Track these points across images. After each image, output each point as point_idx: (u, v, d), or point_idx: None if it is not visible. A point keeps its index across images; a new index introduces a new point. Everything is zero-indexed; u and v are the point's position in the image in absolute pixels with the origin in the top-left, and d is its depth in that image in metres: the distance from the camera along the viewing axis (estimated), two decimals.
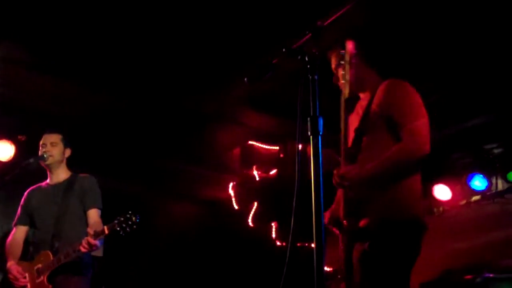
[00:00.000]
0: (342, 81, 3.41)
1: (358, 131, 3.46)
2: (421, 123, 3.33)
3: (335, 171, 3.38)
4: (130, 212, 4.34)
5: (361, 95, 3.70)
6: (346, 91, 3.41)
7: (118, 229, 4.31)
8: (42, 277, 4.60)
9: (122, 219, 4.31)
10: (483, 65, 5.68)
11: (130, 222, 4.30)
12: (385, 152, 3.31)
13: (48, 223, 4.79)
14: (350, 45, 3.39)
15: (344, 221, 3.37)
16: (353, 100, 3.64)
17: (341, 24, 3.36)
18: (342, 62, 3.39)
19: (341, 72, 3.44)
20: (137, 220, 4.31)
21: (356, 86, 3.60)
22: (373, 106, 3.44)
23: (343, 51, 3.38)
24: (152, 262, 8.39)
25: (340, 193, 3.52)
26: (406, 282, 3.28)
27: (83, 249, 4.38)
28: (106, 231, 4.36)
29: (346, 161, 3.39)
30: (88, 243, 4.35)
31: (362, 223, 3.31)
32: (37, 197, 4.97)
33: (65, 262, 4.52)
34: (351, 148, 3.43)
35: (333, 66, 3.70)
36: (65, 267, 4.55)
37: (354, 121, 3.60)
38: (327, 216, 3.53)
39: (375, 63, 3.63)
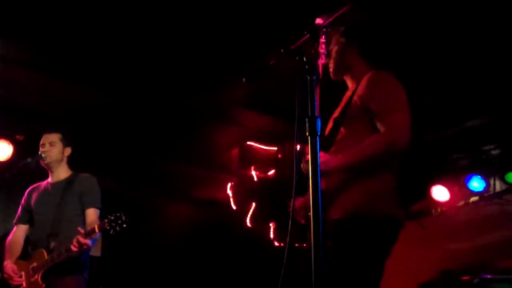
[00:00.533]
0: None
1: (336, 120, 3.37)
2: (401, 116, 3.19)
3: (303, 160, 3.22)
4: (120, 211, 4.35)
5: (348, 83, 3.59)
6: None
7: (108, 228, 4.32)
8: (36, 276, 4.59)
9: (112, 218, 4.33)
10: (482, 66, 5.69)
11: (120, 221, 4.32)
12: (361, 142, 3.21)
13: (45, 222, 4.78)
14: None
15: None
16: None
17: (339, 25, 3.35)
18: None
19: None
20: (127, 219, 4.33)
21: (342, 71, 3.55)
22: (355, 97, 3.34)
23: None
24: (150, 262, 8.39)
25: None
26: (379, 274, 3.14)
27: (74, 248, 4.38)
28: (97, 230, 4.37)
29: (322, 148, 3.14)
30: (79, 242, 4.35)
31: (336, 214, 3.18)
32: (37, 196, 4.97)
33: (58, 261, 4.52)
34: (327, 137, 3.34)
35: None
36: (58, 267, 4.55)
37: (335, 110, 3.54)
38: (297, 203, 3.33)
39: (367, 54, 3.53)
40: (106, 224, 4.33)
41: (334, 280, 3.01)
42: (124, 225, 4.33)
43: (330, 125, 3.44)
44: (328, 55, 3.55)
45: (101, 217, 4.76)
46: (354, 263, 3.08)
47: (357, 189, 3.19)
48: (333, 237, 3.12)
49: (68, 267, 4.60)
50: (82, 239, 4.36)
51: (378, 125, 3.22)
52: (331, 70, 3.56)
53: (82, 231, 4.40)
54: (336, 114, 3.44)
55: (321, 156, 3.04)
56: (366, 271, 3.09)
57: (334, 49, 3.49)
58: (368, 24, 3.51)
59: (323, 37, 3.16)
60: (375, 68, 3.44)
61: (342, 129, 3.32)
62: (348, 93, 3.48)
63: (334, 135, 3.33)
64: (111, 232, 4.32)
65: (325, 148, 3.27)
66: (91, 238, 4.41)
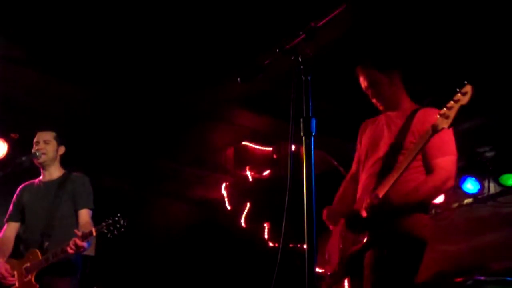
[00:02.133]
0: (441, 114, 3.40)
1: (394, 147, 3.60)
2: (451, 160, 3.55)
3: (359, 195, 3.65)
4: (118, 215, 4.35)
5: (391, 113, 3.80)
6: (439, 126, 3.39)
7: (105, 231, 4.33)
8: (29, 276, 4.58)
9: (110, 221, 4.33)
10: (476, 68, 5.69)
11: (118, 225, 4.32)
12: (414, 176, 3.52)
13: (39, 221, 4.77)
14: (472, 90, 3.43)
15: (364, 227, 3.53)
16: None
17: (334, 25, 3.35)
18: (455, 99, 3.41)
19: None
20: (125, 224, 4.33)
21: (392, 105, 3.77)
22: (411, 129, 3.58)
23: (462, 92, 3.42)
24: (144, 261, 8.38)
25: (344, 189, 3.83)
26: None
27: (70, 250, 4.37)
28: (94, 233, 4.37)
29: (379, 171, 3.58)
30: (76, 245, 4.34)
31: (384, 230, 3.50)
32: (29, 194, 4.95)
33: (53, 262, 4.51)
34: (385, 160, 3.60)
35: (362, 86, 3.81)
36: (52, 268, 4.54)
37: (383, 133, 3.74)
38: (325, 212, 3.76)
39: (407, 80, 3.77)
40: (104, 228, 4.33)
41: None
42: (122, 229, 4.33)
43: (382, 147, 3.67)
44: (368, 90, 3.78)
45: (94, 217, 4.76)
46: (394, 275, 3.43)
47: (404, 217, 3.52)
48: (377, 247, 3.48)
49: (62, 268, 4.59)
50: (79, 242, 4.35)
51: (430, 165, 3.55)
52: (378, 103, 3.79)
53: (79, 233, 4.39)
54: (388, 139, 3.67)
55: (376, 204, 3.40)
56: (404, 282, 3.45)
57: (376, 86, 3.70)
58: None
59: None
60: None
61: (399, 158, 3.54)
62: (397, 121, 3.69)
63: (391, 161, 3.56)
64: (108, 236, 4.32)
65: (382, 172, 3.54)
66: (87, 240, 4.40)
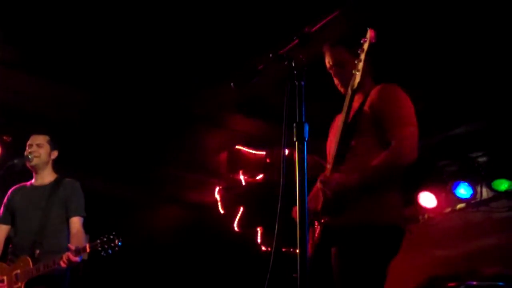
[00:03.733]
0: (354, 71, 3.34)
1: (346, 133, 3.41)
2: (410, 130, 3.32)
3: (320, 177, 3.38)
4: (114, 233, 4.34)
5: (356, 96, 3.57)
6: (355, 81, 3.34)
7: (99, 249, 4.33)
8: (19, 284, 4.54)
9: (105, 239, 4.33)
10: (469, 73, 5.71)
11: (112, 244, 4.32)
12: (371, 156, 3.31)
13: (30, 228, 4.73)
14: (372, 34, 3.31)
15: (321, 218, 3.37)
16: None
17: (328, 30, 3.36)
18: (359, 51, 3.32)
19: (359, 60, 3.36)
20: (120, 243, 4.33)
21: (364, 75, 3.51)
22: (365, 108, 3.42)
23: (364, 39, 3.32)
24: (137, 265, 8.36)
25: (316, 189, 3.50)
26: (382, 282, 3.28)
27: (63, 264, 4.36)
28: (88, 250, 4.37)
29: (334, 163, 3.37)
30: (69, 260, 4.34)
31: (342, 222, 3.31)
32: (20, 197, 4.92)
33: (44, 273, 4.49)
34: (339, 147, 3.40)
35: (328, 64, 3.65)
36: (43, 278, 4.51)
37: (335, 122, 3.62)
38: (295, 208, 3.34)
39: (375, 66, 3.59)
40: (98, 246, 4.33)
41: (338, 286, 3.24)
42: (117, 249, 4.33)
43: (335, 137, 3.47)
44: (333, 69, 3.62)
45: (89, 223, 4.74)
46: (359, 270, 3.21)
47: (365, 199, 3.29)
48: (338, 244, 3.31)
49: (52, 280, 4.56)
50: (72, 257, 4.35)
51: (388, 137, 3.32)
52: (340, 84, 3.60)
53: (72, 248, 4.38)
54: (341, 125, 3.44)
55: (337, 177, 3.27)
56: (370, 277, 3.22)
57: (363, 62, 3.41)
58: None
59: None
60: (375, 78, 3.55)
61: (352, 141, 3.39)
62: (355, 104, 3.49)
63: (345, 149, 3.39)
64: (102, 254, 4.33)
65: (338, 163, 3.36)
66: (80, 255, 4.40)
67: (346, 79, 3.47)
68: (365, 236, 3.24)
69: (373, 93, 3.45)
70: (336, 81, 3.63)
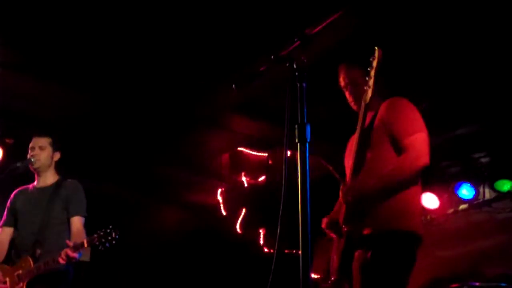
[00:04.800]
0: (365, 87, 3.53)
1: (362, 146, 3.57)
2: (420, 136, 3.46)
3: (341, 187, 3.56)
4: (110, 226, 4.34)
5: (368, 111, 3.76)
6: (368, 96, 3.53)
7: (97, 243, 4.32)
8: (21, 284, 4.55)
9: (102, 233, 4.31)
10: (471, 74, 5.71)
11: (109, 238, 4.31)
12: (387, 166, 3.45)
13: (31, 228, 4.74)
14: (380, 53, 3.51)
15: (344, 227, 3.51)
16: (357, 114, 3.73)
17: (329, 32, 3.37)
18: (369, 69, 3.52)
19: (369, 78, 3.55)
20: (117, 236, 4.32)
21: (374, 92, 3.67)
22: (376, 122, 3.58)
23: (373, 57, 3.51)
24: (139, 267, 8.36)
25: (339, 204, 3.69)
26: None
27: (61, 261, 4.36)
28: (86, 245, 4.35)
29: (352, 174, 3.53)
30: (67, 256, 4.33)
31: (364, 231, 3.44)
32: (23, 200, 4.93)
33: (44, 271, 4.49)
34: (356, 162, 3.55)
35: (342, 83, 3.83)
36: (44, 277, 4.51)
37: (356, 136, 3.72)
38: (325, 220, 3.70)
39: (387, 84, 3.74)
40: (96, 240, 4.32)
41: None
42: (114, 242, 4.32)
43: (352, 152, 3.62)
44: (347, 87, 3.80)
45: (90, 224, 4.74)
46: (379, 277, 3.35)
47: (384, 209, 3.44)
48: (360, 249, 3.45)
49: (53, 277, 4.56)
50: (70, 253, 4.34)
51: (400, 147, 3.47)
52: (353, 101, 3.77)
53: (70, 244, 4.37)
54: (356, 140, 3.60)
55: (355, 184, 3.46)
56: (391, 284, 3.36)
57: (373, 78, 3.59)
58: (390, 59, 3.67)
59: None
60: (389, 91, 3.70)
61: (368, 153, 3.55)
62: (368, 120, 3.65)
63: (361, 162, 3.54)
64: (100, 248, 4.32)
65: (356, 175, 3.51)
66: (79, 251, 4.39)
67: (359, 96, 3.65)
68: (385, 242, 3.39)
69: (383, 107, 3.62)
70: (350, 98, 3.81)
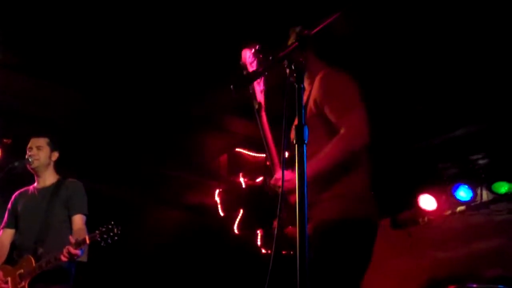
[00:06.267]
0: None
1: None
2: (355, 114, 3.21)
3: (274, 177, 3.29)
4: (112, 222, 4.34)
5: (306, 85, 3.50)
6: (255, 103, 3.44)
7: (99, 239, 4.32)
8: (23, 283, 4.56)
9: (103, 229, 4.32)
10: (469, 75, 5.71)
11: (111, 234, 4.31)
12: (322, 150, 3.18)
13: (32, 228, 4.76)
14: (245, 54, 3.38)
15: (286, 228, 3.18)
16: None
17: (328, 33, 3.36)
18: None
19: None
20: (119, 232, 4.32)
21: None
22: (310, 102, 3.36)
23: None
24: (137, 267, 8.35)
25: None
26: (357, 277, 3.15)
27: (63, 258, 4.36)
28: (87, 241, 4.36)
29: (286, 164, 3.12)
30: (69, 253, 4.33)
31: (311, 224, 3.07)
32: (23, 201, 4.94)
33: (46, 269, 4.49)
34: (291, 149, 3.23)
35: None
36: (46, 275, 4.52)
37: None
38: (275, 223, 3.27)
39: (323, 53, 3.50)
40: (97, 236, 4.32)
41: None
42: (116, 238, 4.32)
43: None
44: None
45: (89, 224, 4.74)
46: (331, 269, 3.09)
47: (327, 196, 3.20)
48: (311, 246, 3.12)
49: (55, 276, 4.57)
50: (72, 250, 4.34)
51: (336, 127, 3.22)
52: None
53: (72, 241, 4.38)
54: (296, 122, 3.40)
55: (286, 175, 3.00)
56: (343, 275, 3.09)
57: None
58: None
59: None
60: (329, 67, 3.44)
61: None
62: (304, 97, 3.37)
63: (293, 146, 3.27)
64: (102, 244, 4.31)
65: (292, 163, 3.13)
66: (80, 248, 4.39)
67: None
68: (332, 236, 3.14)
69: (315, 84, 3.38)
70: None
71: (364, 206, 3.25)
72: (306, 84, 3.50)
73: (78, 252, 4.36)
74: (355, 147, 3.15)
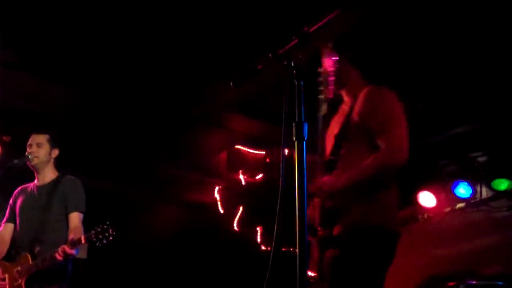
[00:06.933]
0: (320, 97, 3.40)
1: (338, 138, 3.46)
2: (399, 132, 3.35)
3: (312, 181, 3.38)
4: (107, 223, 4.34)
5: (345, 97, 3.66)
6: (323, 108, 3.40)
7: (94, 239, 4.31)
8: (20, 280, 4.56)
9: (99, 230, 4.32)
10: (469, 73, 5.72)
11: (107, 234, 4.30)
12: (362, 162, 3.32)
13: (30, 226, 4.75)
14: (326, 63, 3.40)
15: (319, 230, 3.36)
16: (336, 103, 3.63)
17: (328, 30, 3.37)
18: (321, 79, 3.39)
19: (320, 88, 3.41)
20: (114, 233, 4.32)
21: (340, 85, 3.56)
22: (354, 115, 3.45)
23: (320, 69, 3.39)
24: (136, 264, 8.36)
25: (316, 200, 3.48)
26: (378, 285, 3.29)
27: (58, 257, 4.36)
28: (83, 241, 4.37)
29: (325, 169, 3.38)
30: (64, 252, 4.34)
31: (335, 231, 3.32)
32: (23, 198, 4.93)
33: (42, 268, 4.49)
34: (331, 156, 3.44)
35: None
36: (42, 274, 4.52)
37: (335, 125, 3.60)
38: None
39: (359, 65, 3.60)
40: (93, 236, 4.32)
41: None
42: (111, 238, 4.32)
43: (330, 143, 3.51)
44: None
45: (88, 221, 4.74)
46: (353, 275, 3.23)
47: (358, 207, 3.33)
48: (332, 251, 3.31)
49: (51, 275, 4.56)
50: (67, 249, 4.34)
51: (377, 142, 3.35)
52: (324, 107, 3.55)
53: (68, 240, 4.39)
54: (335, 131, 3.51)
55: (326, 179, 3.30)
56: (362, 283, 3.23)
57: (327, 90, 3.45)
58: (358, 35, 3.54)
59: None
60: (370, 81, 3.55)
61: (344, 146, 3.43)
62: (346, 108, 3.56)
63: (337, 153, 3.43)
64: (97, 244, 4.31)
65: (329, 168, 3.39)
66: (76, 248, 4.39)
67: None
68: (360, 240, 3.27)
69: (360, 98, 3.47)
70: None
71: (391, 217, 3.41)
72: (345, 97, 3.64)
73: (73, 251, 4.37)
74: (396, 163, 3.32)
